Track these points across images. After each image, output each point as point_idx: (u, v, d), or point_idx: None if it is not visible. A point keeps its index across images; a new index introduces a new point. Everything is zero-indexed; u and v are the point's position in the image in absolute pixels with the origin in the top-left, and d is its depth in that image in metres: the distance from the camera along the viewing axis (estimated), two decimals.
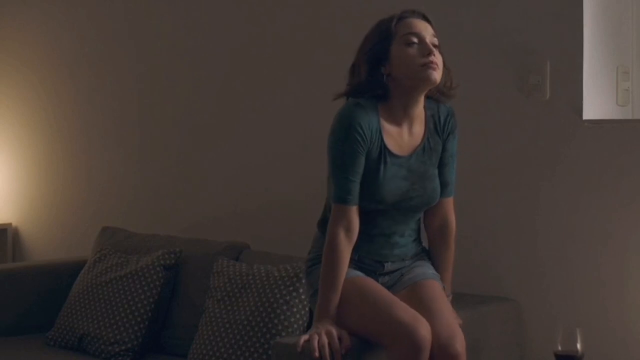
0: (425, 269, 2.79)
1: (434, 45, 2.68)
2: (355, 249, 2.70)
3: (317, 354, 2.52)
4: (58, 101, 4.61)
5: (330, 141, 2.67)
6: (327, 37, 3.69)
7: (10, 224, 4.76)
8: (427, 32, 2.70)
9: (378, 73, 2.68)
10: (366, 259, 2.74)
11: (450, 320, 2.62)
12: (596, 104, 3.16)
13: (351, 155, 2.64)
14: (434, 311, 2.61)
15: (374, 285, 2.67)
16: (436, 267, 2.83)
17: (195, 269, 3.59)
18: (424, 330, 2.51)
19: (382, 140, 2.67)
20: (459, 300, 2.83)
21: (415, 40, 2.67)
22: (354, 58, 2.76)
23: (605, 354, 3.04)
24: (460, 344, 2.56)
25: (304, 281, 2.84)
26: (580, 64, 3.10)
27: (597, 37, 3.17)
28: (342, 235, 2.65)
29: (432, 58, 2.65)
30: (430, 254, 2.86)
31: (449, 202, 2.84)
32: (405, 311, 2.55)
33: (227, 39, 4.00)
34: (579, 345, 2.76)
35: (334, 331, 2.57)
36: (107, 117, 4.42)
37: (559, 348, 2.77)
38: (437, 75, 2.66)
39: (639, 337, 3.03)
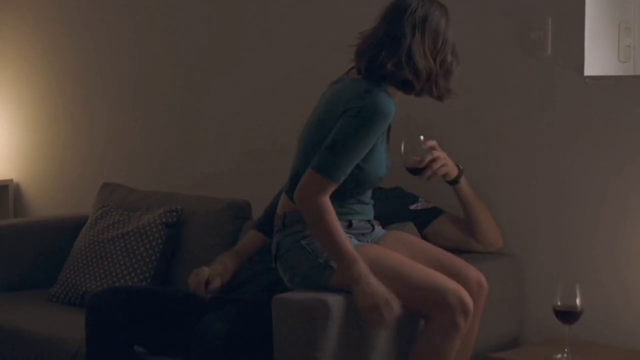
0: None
1: None
2: (347, 215, 2.72)
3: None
4: (58, 56, 4.59)
5: (353, 121, 2.59)
6: None
7: (11, 180, 4.76)
8: None
9: (435, 65, 2.67)
10: (359, 222, 2.77)
11: (464, 261, 2.77)
12: (598, 60, 3.14)
13: (368, 143, 2.63)
14: (450, 260, 2.75)
15: (386, 252, 2.70)
16: None
17: (197, 226, 3.60)
18: (465, 292, 2.61)
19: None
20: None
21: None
22: (416, 37, 2.65)
23: (604, 310, 3.05)
24: (484, 277, 2.74)
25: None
26: (582, 20, 3.09)
27: None
28: (330, 205, 2.62)
29: None
30: None
31: None
32: (444, 278, 2.62)
33: None
34: (578, 301, 2.78)
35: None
36: (107, 73, 4.40)
37: (559, 303, 2.79)
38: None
39: (638, 292, 3.05)
